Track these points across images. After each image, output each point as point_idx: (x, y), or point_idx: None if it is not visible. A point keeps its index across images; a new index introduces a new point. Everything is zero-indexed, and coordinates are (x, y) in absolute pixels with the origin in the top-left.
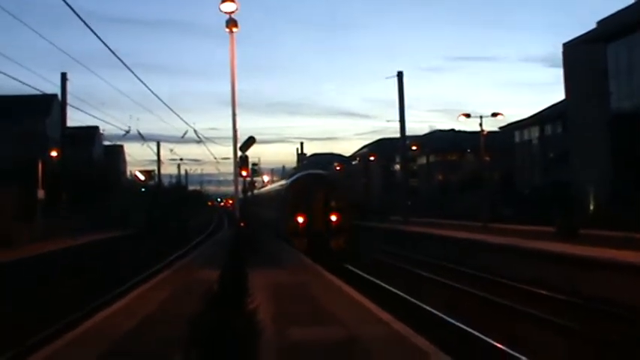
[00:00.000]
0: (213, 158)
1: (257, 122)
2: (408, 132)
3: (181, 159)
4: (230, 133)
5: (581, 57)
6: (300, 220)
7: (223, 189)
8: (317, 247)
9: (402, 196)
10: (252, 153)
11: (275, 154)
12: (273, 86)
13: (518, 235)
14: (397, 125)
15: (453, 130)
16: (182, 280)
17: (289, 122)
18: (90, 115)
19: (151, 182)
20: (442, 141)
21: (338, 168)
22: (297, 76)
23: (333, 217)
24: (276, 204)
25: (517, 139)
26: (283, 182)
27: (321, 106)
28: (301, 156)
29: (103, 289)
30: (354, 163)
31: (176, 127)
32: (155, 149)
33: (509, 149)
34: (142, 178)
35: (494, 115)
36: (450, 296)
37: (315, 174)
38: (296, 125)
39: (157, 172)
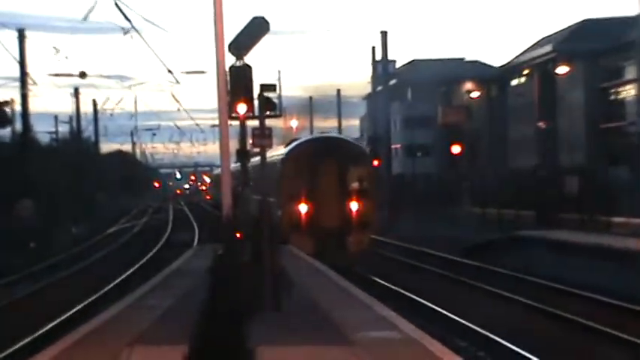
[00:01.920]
0: (165, 71)
1: None
2: None
3: (83, 73)
4: (205, 10)
5: None
6: (303, 209)
7: (192, 152)
8: (329, 249)
9: None
10: (262, 63)
11: (316, 64)
12: None
13: None
14: None
15: None
16: None
17: None
18: None
19: (5, 130)
20: None
21: (474, 95)
22: None
23: (354, 205)
24: (266, 185)
25: None
26: (278, 152)
27: None
28: (380, 66)
29: None
30: (514, 83)
31: None
32: (15, 50)
33: None
34: None
35: None
36: None
37: (327, 139)
38: None
39: (20, 105)
